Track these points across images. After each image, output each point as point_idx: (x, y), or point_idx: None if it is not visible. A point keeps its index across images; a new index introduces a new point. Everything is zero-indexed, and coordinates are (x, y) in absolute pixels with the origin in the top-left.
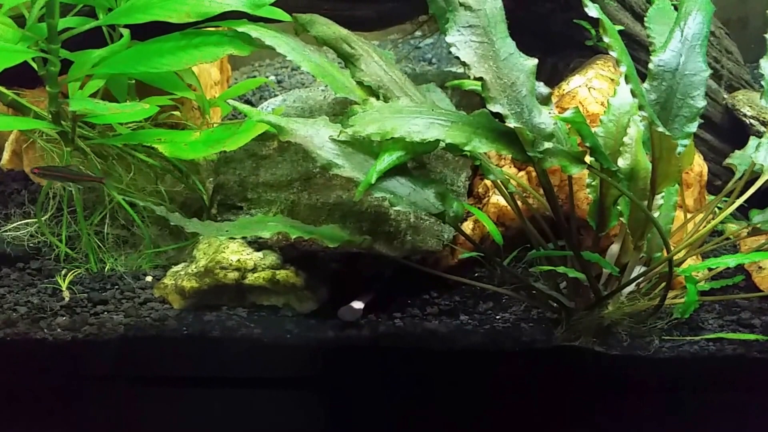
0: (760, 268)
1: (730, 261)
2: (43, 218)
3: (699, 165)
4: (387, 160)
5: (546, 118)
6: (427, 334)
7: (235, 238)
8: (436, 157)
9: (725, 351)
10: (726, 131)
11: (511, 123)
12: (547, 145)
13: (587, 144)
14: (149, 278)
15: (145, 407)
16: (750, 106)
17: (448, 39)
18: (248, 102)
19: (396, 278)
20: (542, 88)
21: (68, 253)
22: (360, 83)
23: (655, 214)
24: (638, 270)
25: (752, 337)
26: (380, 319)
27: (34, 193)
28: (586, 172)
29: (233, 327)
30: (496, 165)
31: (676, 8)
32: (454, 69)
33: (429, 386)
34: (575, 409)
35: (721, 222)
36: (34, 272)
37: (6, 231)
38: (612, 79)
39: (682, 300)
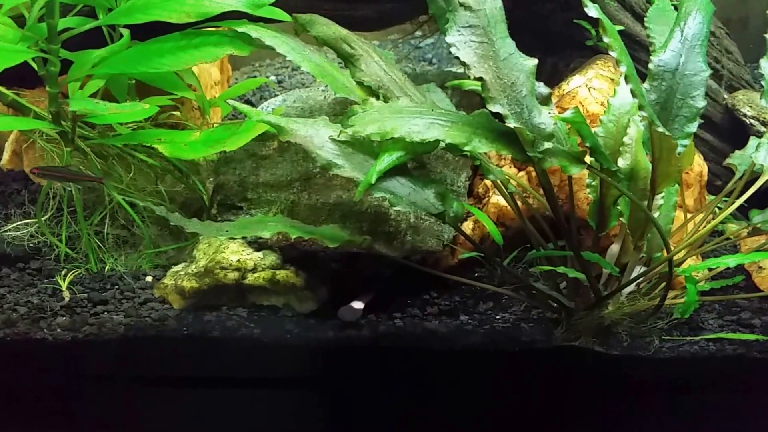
0: (760, 268)
1: (730, 261)
2: (43, 218)
3: (699, 165)
4: (387, 160)
5: (546, 118)
6: (427, 334)
7: (235, 238)
8: (436, 157)
9: (725, 351)
10: (726, 131)
11: (511, 123)
12: (547, 145)
13: (587, 144)
14: (149, 278)
15: (145, 407)
16: (750, 106)
17: (448, 39)
18: (248, 102)
19: (396, 278)
20: (542, 88)
21: (68, 253)
22: (360, 83)
23: (655, 214)
24: (638, 270)
25: (752, 337)
26: (380, 319)
27: (34, 193)
28: (586, 172)
29: (233, 327)
30: (496, 165)
31: (676, 8)
32: (454, 69)
33: (429, 386)
34: (575, 409)
35: (721, 222)
36: (34, 272)
37: (6, 231)
38: (612, 79)
39: (682, 300)
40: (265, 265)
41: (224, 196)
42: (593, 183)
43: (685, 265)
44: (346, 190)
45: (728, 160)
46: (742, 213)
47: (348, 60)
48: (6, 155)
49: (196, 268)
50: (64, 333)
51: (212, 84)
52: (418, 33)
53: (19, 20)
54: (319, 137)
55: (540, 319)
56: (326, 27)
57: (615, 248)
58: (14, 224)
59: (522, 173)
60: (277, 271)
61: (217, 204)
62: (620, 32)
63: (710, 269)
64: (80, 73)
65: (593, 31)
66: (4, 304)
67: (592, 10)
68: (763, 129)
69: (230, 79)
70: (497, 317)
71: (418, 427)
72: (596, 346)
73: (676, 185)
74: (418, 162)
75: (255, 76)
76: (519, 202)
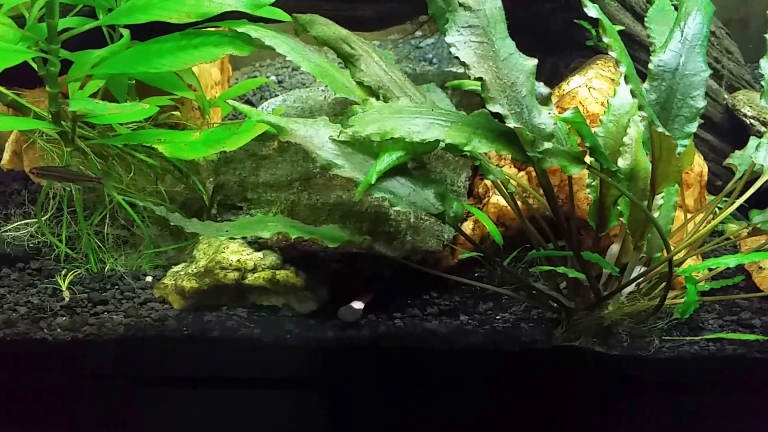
0: (760, 268)
1: (730, 261)
2: (43, 218)
3: (699, 165)
4: (387, 160)
5: (546, 118)
6: (427, 335)
7: (235, 239)
8: (436, 157)
9: (725, 351)
10: (726, 131)
11: (511, 123)
12: (547, 145)
13: (587, 144)
14: (149, 278)
15: (145, 407)
16: (750, 106)
17: (448, 39)
18: (249, 102)
19: (396, 278)
20: (542, 88)
21: (68, 254)
22: (360, 83)
23: (655, 215)
24: (638, 270)
25: (752, 337)
26: (380, 319)
27: (35, 193)
28: (586, 172)
29: (233, 327)
30: (496, 165)
31: (676, 8)
32: (454, 69)
33: (429, 386)
34: (575, 409)
35: (722, 222)
36: (34, 272)
37: (6, 231)
38: (612, 79)
39: (682, 300)
40: (265, 265)
41: (224, 196)
42: (593, 183)
43: (685, 265)
44: (346, 190)
45: (728, 160)
46: (742, 213)
47: (348, 60)
48: (6, 155)
49: (196, 268)
50: (64, 333)
51: (212, 84)
52: (419, 33)
53: (19, 20)
54: (319, 137)
55: (540, 319)
56: (326, 27)
57: (615, 248)
58: (14, 224)
59: (522, 173)
60: (277, 271)
61: (217, 204)
62: (620, 32)
63: (710, 269)
64: (80, 73)
65: (593, 31)
66: (4, 304)
67: (592, 11)
68: (763, 129)
69: (230, 79)
70: (497, 317)
71: (418, 427)
72: (596, 346)
73: (676, 185)
74: (418, 162)
75: (255, 76)
76: (519, 202)
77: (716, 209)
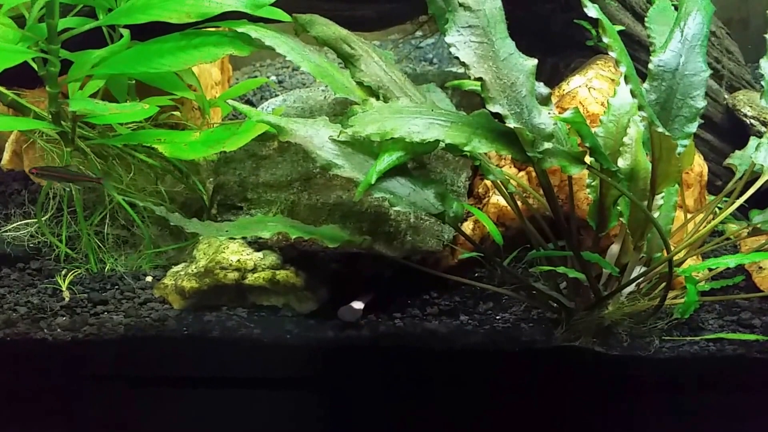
0: (760, 268)
1: (730, 261)
2: (43, 218)
3: (699, 165)
4: (387, 160)
5: (546, 118)
6: (427, 335)
7: (235, 239)
8: (436, 158)
9: (725, 351)
10: (727, 131)
11: (511, 123)
12: (547, 145)
13: (587, 144)
14: (149, 278)
15: (145, 407)
16: (750, 107)
17: (448, 39)
18: (249, 102)
19: (396, 278)
20: (542, 89)
21: (68, 254)
22: (360, 83)
23: (655, 215)
24: (638, 270)
25: (752, 337)
26: (380, 320)
27: (35, 193)
28: (586, 172)
29: (233, 327)
30: (496, 165)
31: (676, 8)
32: (454, 69)
33: (429, 386)
34: (575, 409)
35: (722, 222)
36: (34, 272)
37: (6, 231)
38: (612, 80)
39: (682, 300)
40: (265, 266)
41: (224, 197)
42: (593, 183)
43: (685, 266)
44: (346, 191)
45: (728, 160)
46: (743, 213)
47: (348, 60)
48: (6, 155)
49: (196, 268)
50: (64, 333)
51: (213, 84)
52: (419, 33)
53: (19, 20)
54: (319, 137)
55: (540, 320)
56: (326, 27)
57: (615, 248)
58: (14, 224)
59: (522, 173)
60: (277, 271)
61: (217, 204)
62: (620, 32)
63: (710, 269)
64: (80, 73)
65: (593, 32)
66: (4, 304)
67: (592, 11)
68: (763, 129)
69: (231, 79)
70: (497, 317)
71: (418, 427)
72: (596, 346)
73: (676, 185)
74: (418, 162)
75: (256, 76)
76: (519, 202)
77: (716, 209)
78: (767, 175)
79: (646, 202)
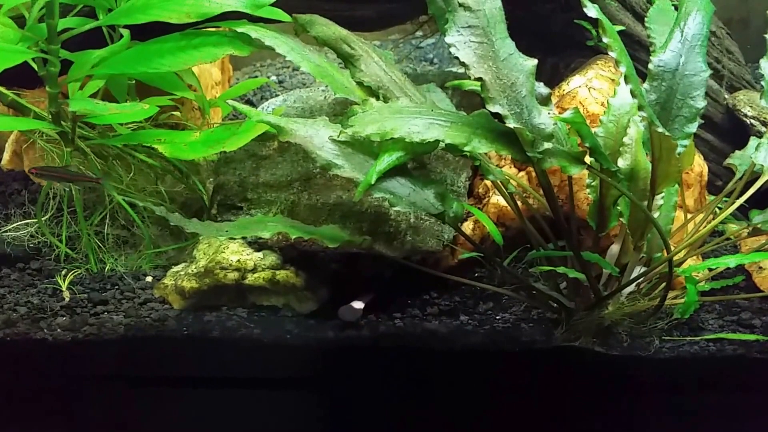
0: (760, 268)
1: (730, 261)
2: (43, 218)
3: (699, 165)
4: (387, 160)
5: (546, 118)
6: (427, 335)
7: (235, 239)
8: (436, 158)
9: (725, 351)
10: (727, 131)
11: (511, 123)
12: (547, 145)
13: (587, 144)
14: (149, 278)
15: (145, 407)
16: (751, 107)
17: (448, 39)
18: (249, 102)
19: (396, 278)
20: (542, 89)
21: (68, 254)
22: (360, 84)
23: (655, 215)
24: (638, 270)
25: (752, 337)
26: (380, 320)
27: (35, 193)
28: (586, 172)
29: (233, 327)
30: (497, 165)
31: (676, 8)
32: (455, 69)
33: (429, 387)
34: (575, 409)
35: (722, 222)
36: (34, 272)
37: (6, 231)
38: (612, 80)
39: (683, 300)
40: (265, 266)
41: (224, 197)
42: (593, 183)
43: (685, 266)
44: (346, 191)
45: (728, 161)
46: (743, 213)
47: (348, 60)
48: (6, 155)
49: (196, 268)
50: (64, 333)
51: (213, 84)
52: (419, 33)
53: (19, 20)
54: (319, 137)
55: (540, 320)
56: (326, 27)
57: (615, 248)
58: (14, 224)
59: (522, 173)
60: (277, 272)
61: (217, 204)
62: (621, 32)
63: (710, 269)
64: (80, 73)
65: (594, 32)
66: (4, 304)
67: (592, 11)
68: (763, 129)
69: (231, 79)
70: (497, 317)
71: (418, 428)
72: (596, 346)
73: (676, 185)
74: (418, 162)
75: (256, 76)
76: (519, 203)
77: (716, 209)
78: (767, 175)
79: (646, 202)
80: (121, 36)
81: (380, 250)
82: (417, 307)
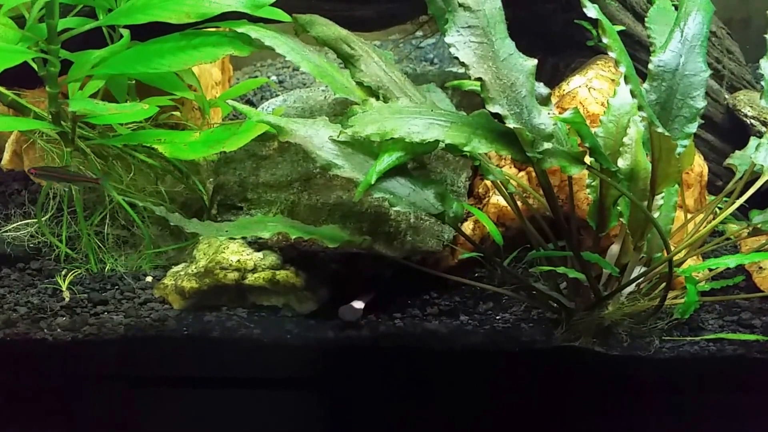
0: (760, 268)
1: (730, 261)
2: (43, 218)
3: (699, 165)
4: (386, 160)
5: (545, 118)
6: (427, 335)
7: (234, 239)
8: (436, 158)
9: (725, 351)
10: (727, 131)
11: (511, 123)
12: (547, 145)
13: (587, 144)
14: (149, 278)
15: (145, 407)
16: (751, 107)
17: (447, 39)
18: (249, 102)
19: (396, 278)
20: (542, 89)
21: (68, 254)
22: (360, 84)
23: (655, 215)
24: (638, 270)
25: (752, 337)
26: (380, 320)
27: (35, 193)
28: (586, 172)
29: (233, 327)
30: (496, 165)
31: (676, 8)
32: (455, 69)
33: (429, 387)
34: (575, 409)
35: (722, 222)
36: (34, 272)
37: (6, 231)
38: (612, 80)
39: (683, 300)
40: (265, 266)
41: (224, 197)
42: (593, 183)
43: (685, 266)
44: (346, 191)
45: (728, 161)
46: (743, 213)
47: (348, 60)
48: (6, 155)
49: (196, 268)
50: (64, 333)
51: (213, 84)
52: (419, 33)
53: (19, 20)
54: (319, 137)
55: (540, 320)
56: (326, 27)
57: (615, 248)
58: (14, 224)
59: (522, 173)
60: (277, 272)
61: (217, 204)
62: (621, 32)
63: (710, 269)
64: (80, 73)
65: (594, 32)
66: (4, 304)
67: (592, 11)
68: (763, 129)
69: (231, 79)
70: (497, 317)
71: (418, 428)
72: (596, 346)
73: (676, 185)
74: (418, 162)
75: (256, 76)
76: (519, 203)
77: (716, 209)
78: (767, 175)
79: (646, 203)
80: (121, 36)
81: (380, 250)
82: (417, 307)
